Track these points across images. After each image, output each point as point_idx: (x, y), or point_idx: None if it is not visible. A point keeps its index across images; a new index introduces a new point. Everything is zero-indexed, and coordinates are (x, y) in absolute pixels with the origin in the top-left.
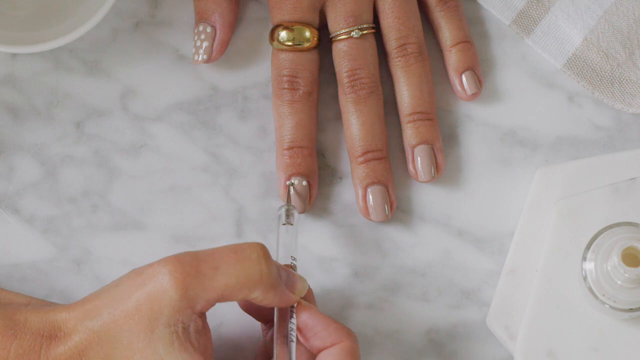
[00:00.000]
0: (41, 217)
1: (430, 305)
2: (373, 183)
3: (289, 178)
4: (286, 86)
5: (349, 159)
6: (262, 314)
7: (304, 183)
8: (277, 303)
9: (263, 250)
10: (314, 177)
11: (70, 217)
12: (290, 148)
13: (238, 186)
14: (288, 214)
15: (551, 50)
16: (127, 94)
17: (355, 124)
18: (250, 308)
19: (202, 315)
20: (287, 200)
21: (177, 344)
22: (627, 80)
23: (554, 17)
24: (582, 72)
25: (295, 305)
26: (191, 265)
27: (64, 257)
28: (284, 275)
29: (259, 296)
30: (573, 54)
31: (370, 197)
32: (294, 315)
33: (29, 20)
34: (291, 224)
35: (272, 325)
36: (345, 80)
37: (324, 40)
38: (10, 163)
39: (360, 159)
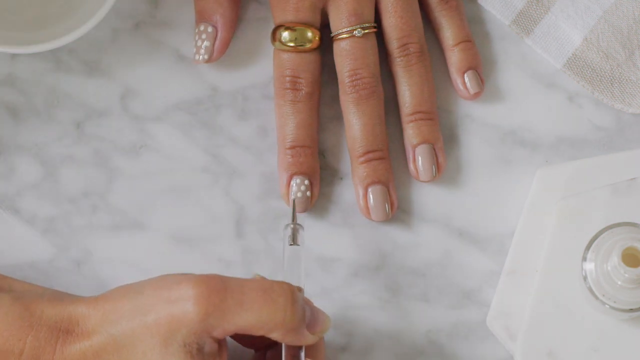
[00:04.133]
0: (41, 217)
1: (430, 305)
2: (374, 183)
3: (291, 177)
4: (288, 86)
5: (349, 159)
6: (253, 343)
7: (306, 182)
8: (293, 342)
9: (292, 296)
10: (315, 177)
11: (70, 217)
12: (292, 147)
13: (238, 186)
14: (294, 234)
15: (551, 50)
16: (127, 94)
17: (356, 125)
18: (242, 338)
19: (219, 340)
20: (293, 218)
21: None
22: (627, 80)
23: (554, 17)
24: (582, 72)
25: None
26: (218, 294)
27: (64, 257)
28: (308, 314)
29: (277, 337)
30: (573, 54)
31: (371, 196)
32: (302, 353)
33: (29, 21)
34: (297, 245)
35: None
36: (347, 80)
37: (325, 40)
38: (10, 163)
39: (361, 159)
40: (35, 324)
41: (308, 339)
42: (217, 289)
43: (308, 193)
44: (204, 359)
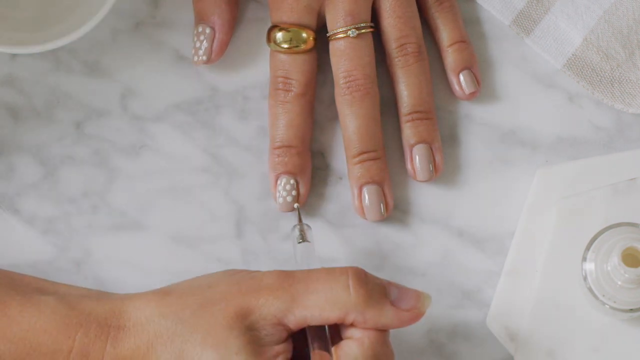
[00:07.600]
0: (41, 217)
1: (430, 305)
2: (368, 182)
3: (277, 176)
4: (280, 87)
5: None
6: None
7: (292, 181)
8: (377, 323)
9: (356, 274)
10: (303, 176)
11: (70, 217)
12: (279, 147)
13: (238, 186)
14: (302, 232)
15: (551, 51)
16: (127, 94)
17: (351, 126)
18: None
19: (288, 333)
20: (299, 219)
21: (249, 348)
22: (627, 80)
23: (554, 17)
24: (582, 72)
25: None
26: (286, 280)
27: (64, 257)
28: (394, 293)
29: (357, 317)
30: (573, 54)
31: (366, 196)
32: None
33: (29, 20)
34: (308, 241)
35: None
36: (342, 81)
37: (324, 40)
38: (10, 163)
39: (356, 160)
40: (84, 321)
41: (403, 316)
42: (285, 277)
43: (294, 192)
44: (264, 349)
